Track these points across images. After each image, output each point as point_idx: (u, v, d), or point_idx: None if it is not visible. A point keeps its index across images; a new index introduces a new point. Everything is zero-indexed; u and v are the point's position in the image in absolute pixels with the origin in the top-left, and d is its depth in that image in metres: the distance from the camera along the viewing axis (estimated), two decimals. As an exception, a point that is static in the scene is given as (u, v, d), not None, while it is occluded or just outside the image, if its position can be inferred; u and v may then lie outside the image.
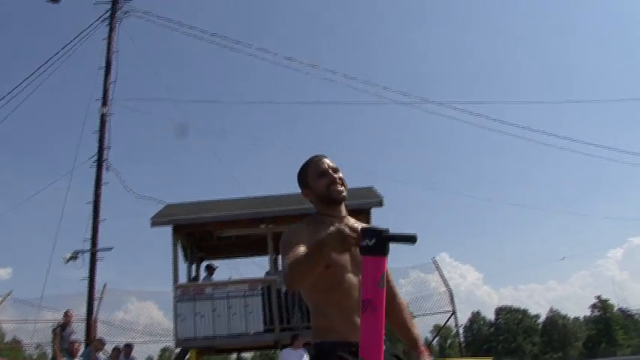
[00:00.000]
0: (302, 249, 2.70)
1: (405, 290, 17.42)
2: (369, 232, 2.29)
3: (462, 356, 18.12)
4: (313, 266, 2.55)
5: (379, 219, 15.32)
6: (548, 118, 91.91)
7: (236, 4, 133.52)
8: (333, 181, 3.03)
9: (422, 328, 18.37)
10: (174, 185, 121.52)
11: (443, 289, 16.71)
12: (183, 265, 15.77)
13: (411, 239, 2.32)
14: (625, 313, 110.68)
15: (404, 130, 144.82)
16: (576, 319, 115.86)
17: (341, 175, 3.09)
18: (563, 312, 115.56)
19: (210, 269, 15.34)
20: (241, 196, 17.57)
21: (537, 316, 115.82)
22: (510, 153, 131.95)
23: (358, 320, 2.50)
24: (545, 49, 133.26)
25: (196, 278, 16.33)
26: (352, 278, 2.85)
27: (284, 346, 12.60)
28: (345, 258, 2.86)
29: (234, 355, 32.36)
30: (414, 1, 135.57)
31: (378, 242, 2.27)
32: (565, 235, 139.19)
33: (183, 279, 15.15)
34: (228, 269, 15.63)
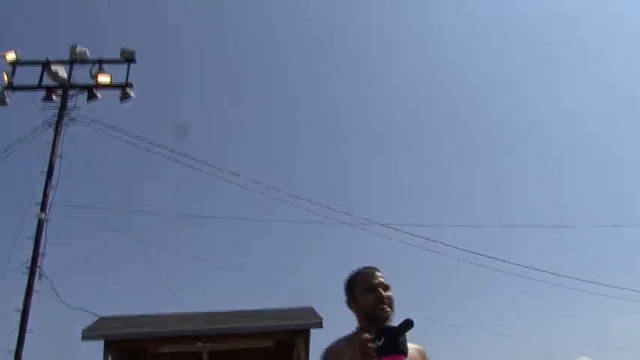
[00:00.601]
0: None
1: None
2: (376, 333, 2.23)
3: None
4: None
5: (318, 340, 15.17)
6: (488, 241, 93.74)
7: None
8: (382, 300, 2.91)
9: None
10: (109, 297, 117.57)
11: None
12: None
13: (409, 324, 2.28)
14: None
15: (347, 251, 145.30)
16: None
17: (390, 294, 2.96)
18: None
19: None
20: (179, 311, 17.18)
21: None
22: (449, 273, 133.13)
23: None
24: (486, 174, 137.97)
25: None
26: None
27: None
28: None
29: None
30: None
31: (387, 339, 2.20)
32: (491, 355, 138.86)
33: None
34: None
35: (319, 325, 14.67)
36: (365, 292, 2.94)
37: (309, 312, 15.45)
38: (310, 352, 15.33)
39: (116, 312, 17.92)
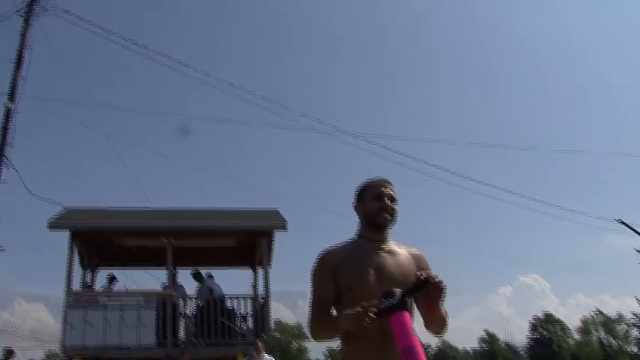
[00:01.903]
0: (326, 300, 3.00)
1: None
2: (388, 294, 2.62)
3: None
4: (333, 334, 2.95)
5: (282, 243, 15.53)
6: (456, 159, 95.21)
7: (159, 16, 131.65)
8: (384, 208, 3.12)
9: (317, 351, 18.59)
10: (76, 190, 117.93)
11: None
12: (78, 271, 15.44)
13: (424, 283, 2.68)
14: (510, 347, 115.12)
15: (318, 158, 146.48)
16: (465, 351, 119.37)
17: (396, 207, 3.17)
18: (452, 344, 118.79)
19: (112, 279, 15.09)
20: (144, 207, 17.38)
21: (428, 347, 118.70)
22: (419, 189, 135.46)
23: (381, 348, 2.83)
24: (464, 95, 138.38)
25: (90, 286, 16.00)
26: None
27: (174, 362, 12.52)
28: (368, 282, 2.95)
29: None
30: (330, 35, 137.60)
31: (398, 300, 2.62)
32: (460, 272, 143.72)
33: (77, 285, 14.82)
34: (125, 279, 15.34)
35: (283, 227, 14.96)
36: (372, 198, 3.16)
37: (275, 214, 15.70)
38: (273, 254, 15.70)
39: (84, 205, 18.11)
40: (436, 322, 3.00)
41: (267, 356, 11.37)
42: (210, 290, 14.55)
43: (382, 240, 3.13)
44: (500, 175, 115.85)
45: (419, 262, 3.13)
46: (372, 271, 2.98)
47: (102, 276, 16.91)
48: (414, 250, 3.20)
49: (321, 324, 2.97)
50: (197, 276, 14.95)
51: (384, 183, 3.21)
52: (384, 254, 3.07)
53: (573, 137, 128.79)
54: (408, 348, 2.53)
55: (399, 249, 3.15)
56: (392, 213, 3.14)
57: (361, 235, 3.19)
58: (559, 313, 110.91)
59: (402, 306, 2.61)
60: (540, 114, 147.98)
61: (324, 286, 3.03)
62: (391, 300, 2.59)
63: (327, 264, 3.05)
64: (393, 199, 3.17)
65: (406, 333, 2.56)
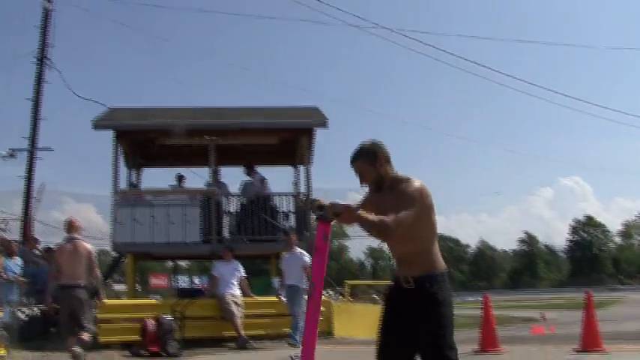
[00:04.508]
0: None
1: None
2: (319, 207, 3.35)
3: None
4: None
5: (322, 140, 15.46)
6: (494, 55, 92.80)
7: None
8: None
9: (357, 249, 18.90)
10: (118, 91, 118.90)
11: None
12: (123, 171, 15.68)
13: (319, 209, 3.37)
14: (549, 249, 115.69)
15: (355, 55, 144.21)
16: (504, 251, 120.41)
17: (364, 180, 3.77)
18: (492, 244, 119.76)
19: (180, 178, 15.30)
20: (186, 106, 17.37)
21: (467, 246, 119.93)
22: (455, 85, 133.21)
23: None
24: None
25: (136, 185, 16.29)
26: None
27: (219, 258, 12.82)
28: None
29: (170, 262, 32.76)
30: None
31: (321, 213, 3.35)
32: (497, 170, 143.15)
33: (122, 184, 15.10)
34: (170, 178, 15.53)
35: (323, 124, 14.85)
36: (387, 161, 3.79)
37: (315, 112, 15.57)
38: (314, 151, 15.68)
39: (126, 105, 18.22)
40: (367, 230, 3.56)
41: (298, 250, 11.54)
42: (262, 180, 14.70)
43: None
44: (543, 73, 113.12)
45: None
46: None
47: (146, 175, 17.22)
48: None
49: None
50: (249, 168, 14.99)
51: (351, 165, 3.77)
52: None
53: (622, 33, 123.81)
54: (315, 247, 3.45)
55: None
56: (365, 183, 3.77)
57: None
58: (600, 217, 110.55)
59: (321, 218, 3.39)
60: (589, 9, 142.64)
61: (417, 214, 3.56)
62: (318, 212, 3.36)
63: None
64: (360, 177, 3.75)
65: (319, 237, 3.43)
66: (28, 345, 10.58)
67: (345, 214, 3.36)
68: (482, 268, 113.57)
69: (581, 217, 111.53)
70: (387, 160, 3.75)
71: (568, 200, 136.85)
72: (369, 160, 3.71)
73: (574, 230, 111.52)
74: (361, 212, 3.40)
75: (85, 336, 8.38)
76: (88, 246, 8.89)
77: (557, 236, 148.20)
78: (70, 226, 8.75)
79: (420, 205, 3.55)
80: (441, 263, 3.69)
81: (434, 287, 3.56)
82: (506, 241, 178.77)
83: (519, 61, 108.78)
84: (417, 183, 3.63)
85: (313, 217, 3.71)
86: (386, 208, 3.51)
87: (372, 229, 3.51)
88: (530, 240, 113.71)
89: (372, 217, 3.44)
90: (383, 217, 3.42)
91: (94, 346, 9.46)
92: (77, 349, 8.11)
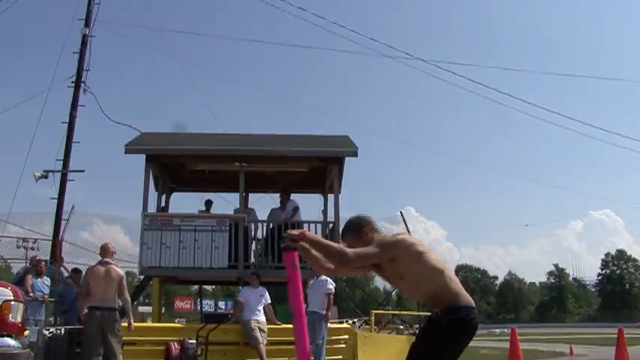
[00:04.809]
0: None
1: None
2: (281, 239, 3.75)
3: (418, 310, 18.56)
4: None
5: (352, 169, 15.51)
6: (526, 86, 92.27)
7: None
8: None
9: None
10: (151, 115, 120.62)
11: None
12: (153, 195, 15.84)
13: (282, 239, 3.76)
14: (579, 283, 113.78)
15: (386, 85, 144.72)
16: (532, 284, 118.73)
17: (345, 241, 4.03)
18: (520, 276, 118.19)
19: (209, 204, 15.44)
20: (217, 132, 17.52)
21: (495, 278, 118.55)
22: (487, 116, 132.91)
23: None
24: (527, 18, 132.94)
25: (165, 208, 16.43)
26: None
27: (245, 283, 12.82)
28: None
29: (195, 286, 32.85)
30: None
31: (283, 245, 3.71)
32: (529, 203, 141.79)
33: (152, 208, 15.23)
34: (199, 203, 15.66)
35: (354, 153, 14.88)
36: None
37: (345, 140, 15.62)
38: (343, 179, 15.71)
39: (156, 130, 18.46)
40: (325, 255, 3.78)
41: (324, 277, 11.54)
42: (296, 208, 14.73)
43: None
44: (578, 105, 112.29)
45: None
46: None
47: (175, 199, 17.35)
48: None
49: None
50: (284, 193, 15.05)
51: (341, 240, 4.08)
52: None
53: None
54: (287, 278, 3.68)
55: None
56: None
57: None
58: (632, 250, 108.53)
59: (285, 248, 3.70)
60: (627, 42, 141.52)
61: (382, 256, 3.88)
62: (281, 242, 3.73)
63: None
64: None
65: (288, 267, 3.67)
66: (52, 365, 10.65)
67: (301, 237, 3.68)
68: (509, 300, 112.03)
69: (612, 251, 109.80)
70: (373, 230, 4.07)
71: (599, 234, 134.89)
72: (355, 233, 4.05)
73: (605, 264, 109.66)
74: (319, 237, 3.87)
75: None
76: (120, 271, 9.26)
77: (588, 270, 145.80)
78: (105, 251, 9.09)
79: (390, 249, 3.85)
80: (465, 297, 3.83)
81: (449, 315, 3.72)
82: (535, 274, 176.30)
83: (545, 91, 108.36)
84: (395, 235, 4.00)
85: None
86: (385, 269, 3.97)
87: (332, 253, 3.76)
88: (559, 273, 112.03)
89: (331, 243, 3.80)
90: (343, 247, 3.77)
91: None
92: None
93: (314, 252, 3.73)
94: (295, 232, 3.73)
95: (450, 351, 3.73)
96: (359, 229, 4.04)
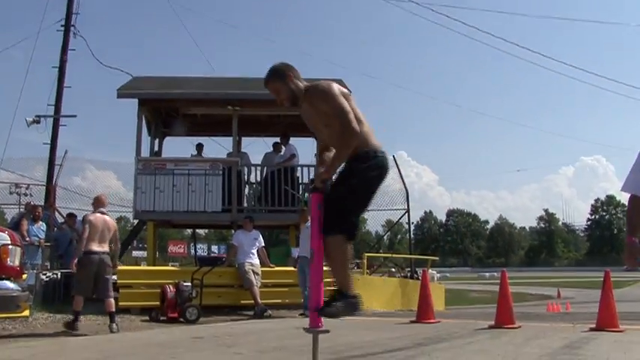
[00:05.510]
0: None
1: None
2: (310, 181, 4.52)
3: (410, 253, 18.81)
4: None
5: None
6: (521, 32, 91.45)
7: None
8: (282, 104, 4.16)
9: (375, 222, 18.86)
10: (143, 59, 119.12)
11: (399, 186, 16.76)
12: (146, 139, 15.77)
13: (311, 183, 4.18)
14: (568, 228, 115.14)
15: (381, 28, 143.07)
16: (522, 228, 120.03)
17: (280, 96, 4.13)
18: (510, 221, 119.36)
19: (200, 148, 15.43)
20: (210, 76, 17.37)
21: (486, 222, 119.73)
22: (483, 62, 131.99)
23: None
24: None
25: (158, 153, 16.39)
26: None
27: (239, 227, 12.92)
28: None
29: (189, 230, 33.06)
30: None
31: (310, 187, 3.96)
32: (520, 147, 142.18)
33: (145, 153, 15.19)
34: (191, 146, 15.61)
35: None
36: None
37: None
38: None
39: (149, 74, 18.29)
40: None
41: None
42: (292, 155, 14.73)
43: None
44: (570, 50, 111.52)
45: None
46: None
47: (168, 143, 17.31)
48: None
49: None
50: (284, 137, 15.02)
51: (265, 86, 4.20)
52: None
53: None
54: (312, 217, 3.85)
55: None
56: (283, 102, 4.10)
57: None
58: (622, 197, 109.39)
59: (315, 189, 3.87)
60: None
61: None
62: (309, 185, 4.03)
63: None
64: (276, 95, 4.14)
65: (314, 207, 3.81)
66: (49, 307, 10.84)
67: (328, 174, 3.88)
68: (499, 245, 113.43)
69: (602, 197, 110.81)
70: (297, 77, 4.13)
71: (590, 179, 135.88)
72: (280, 77, 4.11)
73: (594, 209, 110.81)
74: (332, 159, 3.95)
75: (112, 305, 9.08)
76: (113, 221, 9.80)
77: (578, 216, 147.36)
78: (101, 202, 9.53)
79: (334, 94, 3.92)
80: (373, 143, 4.02)
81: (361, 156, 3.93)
82: (525, 219, 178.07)
83: (540, 37, 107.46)
84: (321, 83, 4.04)
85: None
86: (311, 116, 4.13)
87: (348, 146, 3.85)
88: (549, 218, 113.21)
89: (339, 150, 3.90)
90: (342, 137, 3.84)
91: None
92: (114, 328, 8.83)
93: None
94: (322, 171, 3.91)
95: (364, 187, 3.94)
96: (285, 74, 4.11)
